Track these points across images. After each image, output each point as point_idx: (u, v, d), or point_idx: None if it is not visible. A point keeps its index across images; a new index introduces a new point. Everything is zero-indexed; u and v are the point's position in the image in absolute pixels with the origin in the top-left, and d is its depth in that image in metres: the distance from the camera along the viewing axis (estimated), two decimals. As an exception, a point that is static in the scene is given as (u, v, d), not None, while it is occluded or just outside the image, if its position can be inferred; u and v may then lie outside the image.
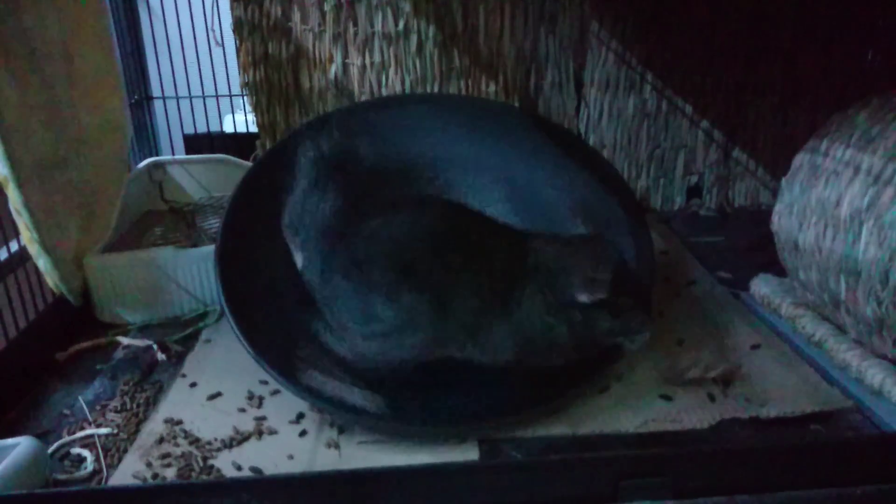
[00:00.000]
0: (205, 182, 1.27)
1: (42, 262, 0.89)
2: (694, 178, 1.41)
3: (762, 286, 1.00)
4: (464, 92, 1.28)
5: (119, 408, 0.81)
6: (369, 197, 0.80)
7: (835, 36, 1.32)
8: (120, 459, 0.72)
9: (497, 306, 0.73)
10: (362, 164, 0.80)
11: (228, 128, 1.58)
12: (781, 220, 0.90)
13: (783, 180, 0.92)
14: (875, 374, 0.78)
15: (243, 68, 1.26)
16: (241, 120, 1.57)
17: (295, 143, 0.85)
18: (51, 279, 0.91)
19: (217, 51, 1.38)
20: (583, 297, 0.72)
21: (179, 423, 0.78)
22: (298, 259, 0.81)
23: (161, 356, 0.91)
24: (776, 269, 1.00)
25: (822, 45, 1.32)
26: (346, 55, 1.26)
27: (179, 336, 0.96)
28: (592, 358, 0.79)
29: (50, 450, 0.73)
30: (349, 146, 0.80)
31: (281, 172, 0.88)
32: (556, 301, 0.73)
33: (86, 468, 0.71)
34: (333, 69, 1.26)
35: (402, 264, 0.73)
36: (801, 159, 0.90)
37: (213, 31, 1.36)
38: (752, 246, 1.21)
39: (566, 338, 0.74)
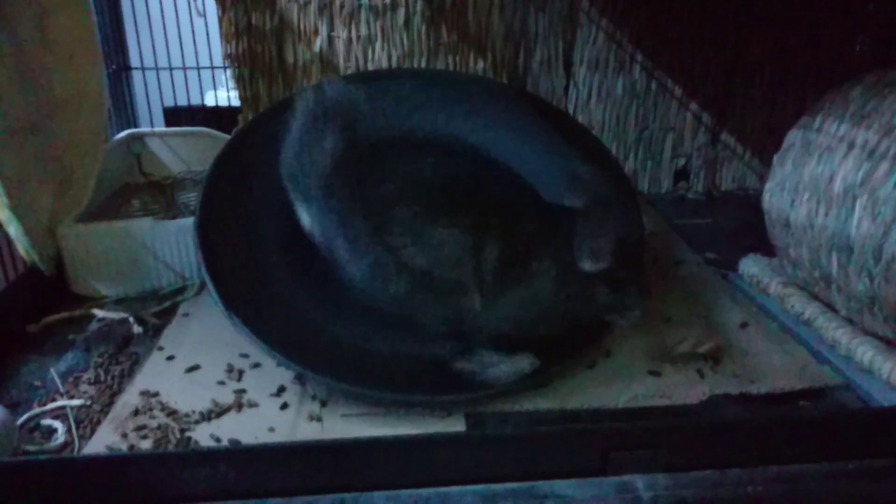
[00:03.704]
0: (184, 155, 1.23)
1: (13, 229, 0.86)
2: (681, 161, 1.40)
3: (751, 266, 1.00)
4: (451, 68, 1.26)
5: (93, 379, 0.78)
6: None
7: (824, 21, 1.32)
8: (93, 431, 0.70)
9: (515, 270, 0.72)
10: (362, 112, 0.77)
11: (210, 102, 1.54)
12: (772, 198, 0.89)
13: (774, 157, 0.91)
14: (865, 351, 0.77)
15: (226, 39, 1.23)
16: (222, 96, 1.53)
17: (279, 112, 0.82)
18: (22, 246, 0.88)
19: (199, 21, 1.34)
20: (587, 266, 0.72)
21: (156, 395, 0.75)
22: (303, 214, 0.76)
23: (137, 329, 0.88)
24: (763, 251, 1.00)
25: (811, 30, 1.32)
26: (331, 28, 1.23)
27: (157, 309, 0.93)
28: (580, 332, 0.78)
29: (19, 421, 0.70)
30: (351, 93, 0.77)
31: (262, 144, 0.85)
32: (562, 272, 0.72)
33: (56, 439, 0.69)
34: (318, 42, 1.23)
35: (434, 206, 0.72)
36: (793, 136, 0.89)
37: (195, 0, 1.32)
38: (739, 229, 1.20)
39: (563, 309, 0.74)
